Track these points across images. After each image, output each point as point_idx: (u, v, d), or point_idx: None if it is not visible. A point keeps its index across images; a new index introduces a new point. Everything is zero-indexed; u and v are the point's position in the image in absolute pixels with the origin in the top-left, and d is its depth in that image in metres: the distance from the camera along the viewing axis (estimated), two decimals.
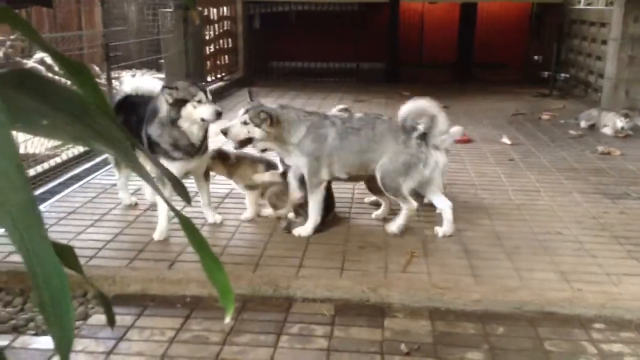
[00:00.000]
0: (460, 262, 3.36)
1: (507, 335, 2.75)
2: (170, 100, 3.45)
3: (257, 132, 3.57)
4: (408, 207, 3.68)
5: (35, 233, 0.61)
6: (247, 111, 3.61)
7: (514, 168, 5.28)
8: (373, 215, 4.01)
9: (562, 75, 9.71)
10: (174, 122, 3.48)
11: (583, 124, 6.93)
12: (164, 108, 3.49)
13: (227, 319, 1.01)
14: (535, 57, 10.80)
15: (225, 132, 3.60)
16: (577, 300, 2.95)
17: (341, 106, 4.45)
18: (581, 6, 9.73)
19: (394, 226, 3.73)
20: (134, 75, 4.15)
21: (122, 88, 3.98)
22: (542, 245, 3.58)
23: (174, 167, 3.41)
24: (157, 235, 3.57)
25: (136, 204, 4.11)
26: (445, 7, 12.82)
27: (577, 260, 3.39)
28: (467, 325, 2.84)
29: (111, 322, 1.46)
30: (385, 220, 3.90)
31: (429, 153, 3.61)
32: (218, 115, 3.49)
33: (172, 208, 1.05)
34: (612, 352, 2.62)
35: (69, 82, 1.13)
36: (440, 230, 3.71)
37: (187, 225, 1.02)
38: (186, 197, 1.32)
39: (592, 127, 6.86)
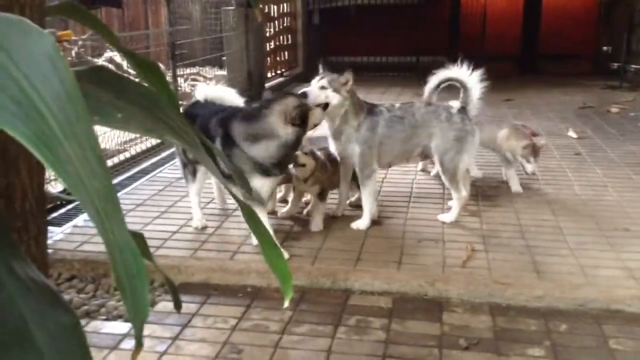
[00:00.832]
0: (523, 258, 3.30)
1: (570, 333, 2.69)
2: (297, 122, 3.26)
3: (335, 98, 3.61)
4: (460, 196, 3.74)
5: (115, 219, 0.67)
6: (322, 77, 3.66)
7: (580, 162, 5.12)
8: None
9: (633, 66, 9.30)
10: (297, 141, 3.31)
11: None
12: (281, 130, 3.23)
13: (286, 304, 1.06)
14: (605, 48, 10.40)
15: (304, 95, 3.53)
16: None
17: None
18: None
19: (448, 217, 3.78)
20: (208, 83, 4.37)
21: (195, 95, 3.86)
22: (609, 242, 3.47)
23: (270, 182, 3.37)
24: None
25: (205, 227, 3.73)
26: None
27: None
28: (528, 322, 2.79)
29: (178, 306, 1.54)
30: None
31: (473, 125, 3.71)
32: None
33: (237, 200, 1.10)
34: None
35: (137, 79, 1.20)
36: (445, 217, 3.80)
37: (250, 215, 1.07)
38: (249, 190, 1.38)
39: None
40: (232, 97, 3.87)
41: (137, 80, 1.11)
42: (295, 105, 3.25)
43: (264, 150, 3.24)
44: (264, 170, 3.28)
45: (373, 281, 3.10)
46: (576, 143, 5.78)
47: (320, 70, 3.86)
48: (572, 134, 6.09)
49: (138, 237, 1.36)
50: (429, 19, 11.26)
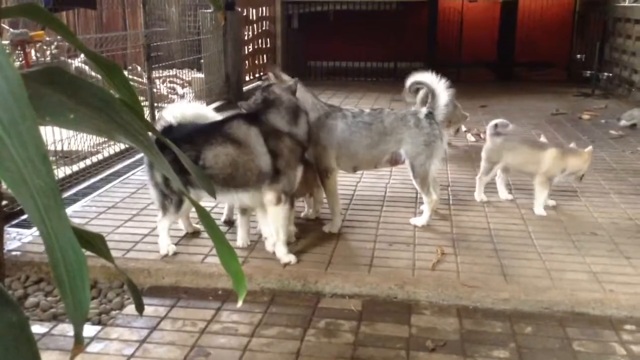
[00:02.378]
0: (491, 261, 3.35)
1: (534, 335, 2.74)
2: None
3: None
4: (430, 200, 3.80)
5: (55, 214, 0.68)
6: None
7: None
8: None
9: (605, 74, 9.49)
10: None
11: (623, 123, 6.77)
12: (298, 102, 3.38)
13: (240, 303, 1.07)
14: (578, 56, 10.58)
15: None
16: (608, 302, 2.91)
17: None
18: (626, 3, 9.48)
19: (420, 220, 3.84)
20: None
21: (164, 118, 3.37)
22: (575, 246, 3.53)
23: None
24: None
25: (175, 254, 3.41)
26: (485, 5, 12.68)
27: (610, 261, 3.34)
28: (494, 324, 2.84)
29: (140, 309, 1.54)
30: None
31: (441, 129, 3.77)
32: None
33: (192, 201, 1.11)
34: None
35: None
36: (416, 220, 3.88)
37: (205, 217, 1.08)
38: (212, 192, 1.39)
39: (634, 127, 6.69)
40: (210, 114, 3.60)
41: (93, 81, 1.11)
42: (282, 86, 3.40)
43: (303, 127, 3.28)
44: (303, 156, 3.37)
45: (344, 284, 3.12)
46: None
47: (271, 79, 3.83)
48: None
49: (98, 239, 1.36)
50: (407, 26, 11.37)
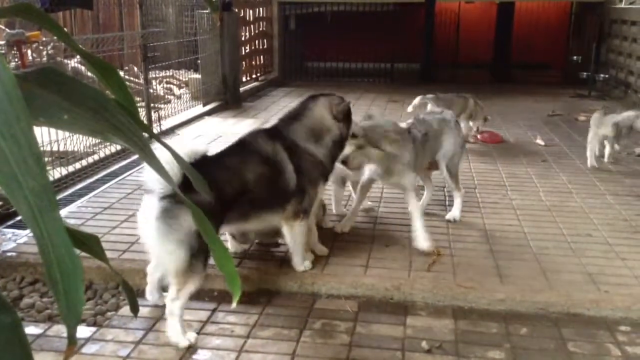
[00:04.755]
0: (487, 262, 3.35)
1: (529, 336, 2.75)
2: (341, 117, 3.21)
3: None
4: (461, 193, 4.02)
5: (49, 215, 0.68)
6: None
7: (546, 169, 5.22)
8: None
9: (602, 75, 9.51)
10: (344, 139, 3.33)
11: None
12: (331, 123, 3.16)
13: (234, 304, 1.07)
14: (575, 58, 10.61)
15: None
16: (603, 303, 2.92)
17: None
18: (622, 5, 9.51)
19: (454, 214, 3.98)
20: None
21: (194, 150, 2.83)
22: (571, 247, 3.54)
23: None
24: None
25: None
26: (482, 6, 12.70)
27: (605, 262, 3.35)
28: (490, 325, 2.84)
29: (134, 310, 1.54)
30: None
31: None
32: None
33: (184, 200, 1.11)
34: (636, 354, 2.59)
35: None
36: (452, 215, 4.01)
37: (198, 216, 1.09)
38: (205, 191, 1.39)
39: (630, 129, 6.70)
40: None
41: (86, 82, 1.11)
42: (337, 102, 3.17)
43: (325, 147, 3.11)
44: (325, 174, 3.21)
45: (340, 285, 3.12)
46: (543, 150, 5.90)
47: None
48: (539, 141, 6.20)
49: (93, 239, 1.36)
50: (404, 27, 11.38)
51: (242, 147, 3.06)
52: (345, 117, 3.17)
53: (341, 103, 3.16)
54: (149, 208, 2.63)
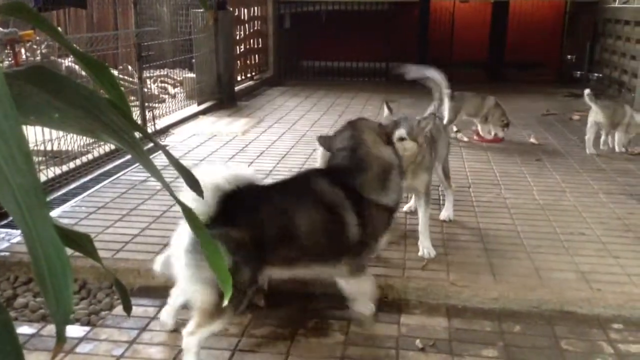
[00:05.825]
0: (480, 261, 3.36)
1: (523, 334, 2.76)
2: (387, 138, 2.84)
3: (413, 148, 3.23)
4: (452, 189, 4.02)
5: (37, 213, 0.68)
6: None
7: (540, 168, 5.24)
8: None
9: (596, 75, 9.55)
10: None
11: None
12: (390, 155, 2.77)
13: (226, 302, 1.07)
14: (569, 57, 10.64)
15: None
16: (596, 300, 2.94)
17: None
18: (616, 4, 9.55)
19: (448, 213, 3.97)
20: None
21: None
22: (564, 245, 3.56)
23: None
24: None
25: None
26: (476, 5, 12.72)
27: (598, 260, 3.36)
28: (483, 323, 2.85)
29: (127, 309, 1.54)
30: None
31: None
32: None
33: (176, 199, 1.11)
34: (629, 352, 2.61)
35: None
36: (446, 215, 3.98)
37: (189, 214, 1.09)
38: (199, 190, 1.39)
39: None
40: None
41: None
42: (373, 124, 2.79)
43: (394, 190, 2.68)
44: (392, 218, 2.80)
45: (334, 284, 3.11)
46: (537, 149, 5.92)
47: (387, 112, 3.49)
48: (533, 140, 6.22)
49: (85, 238, 1.36)
50: (398, 26, 11.39)
51: (297, 185, 2.66)
52: (389, 137, 2.78)
53: (377, 124, 2.82)
54: (181, 235, 2.39)
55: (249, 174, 2.53)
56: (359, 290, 2.78)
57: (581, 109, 8.04)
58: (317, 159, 4.17)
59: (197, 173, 2.06)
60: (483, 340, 2.70)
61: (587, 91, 5.86)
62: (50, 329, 2.76)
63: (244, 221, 2.42)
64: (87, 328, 2.77)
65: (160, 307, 2.96)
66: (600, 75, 9.52)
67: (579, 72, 9.78)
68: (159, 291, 3.12)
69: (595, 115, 5.81)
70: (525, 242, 3.60)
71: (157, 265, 2.79)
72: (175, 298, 2.73)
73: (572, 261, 3.35)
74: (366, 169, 2.62)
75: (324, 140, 2.80)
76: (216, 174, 2.41)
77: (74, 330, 2.74)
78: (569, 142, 6.23)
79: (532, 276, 3.18)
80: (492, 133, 6.25)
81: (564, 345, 2.66)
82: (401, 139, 3.09)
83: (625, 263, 3.32)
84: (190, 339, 2.41)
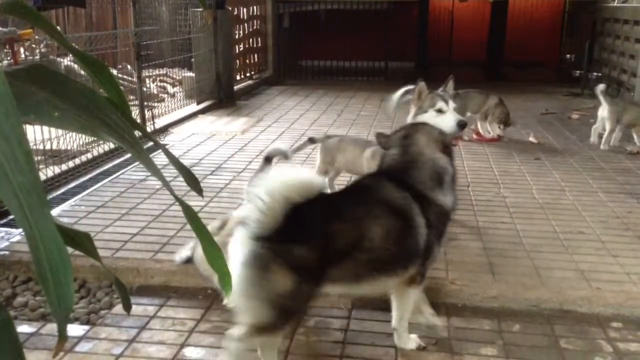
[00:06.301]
0: (479, 260, 3.37)
1: (522, 332, 2.76)
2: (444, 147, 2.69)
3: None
4: None
5: (38, 211, 0.68)
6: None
7: (539, 167, 5.24)
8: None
9: (595, 74, 9.55)
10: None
11: None
12: (445, 161, 2.61)
13: (225, 301, 1.07)
14: (568, 56, 10.65)
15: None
16: (595, 299, 2.94)
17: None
18: (615, 4, 9.55)
19: None
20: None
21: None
22: (563, 244, 3.56)
23: None
24: None
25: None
26: (475, 5, 12.73)
27: (597, 259, 3.37)
28: (483, 322, 2.85)
29: (127, 307, 1.54)
30: None
31: None
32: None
33: (175, 197, 1.11)
34: (628, 351, 2.61)
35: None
36: None
37: (189, 213, 1.09)
38: (198, 189, 1.39)
39: None
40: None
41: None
42: (438, 133, 2.68)
43: (450, 192, 2.57)
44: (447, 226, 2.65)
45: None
46: (537, 148, 5.92)
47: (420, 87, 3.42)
48: (532, 139, 6.23)
49: (85, 237, 1.36)
50: (398, 25, 11.39)
51: (366, 193, 2.48)
52: (446, 146, 2.65)
53: (443, 134, 2.72)
54: (239, 244, 2.18)
55: (320, 182, 2.30)
56: (408, 308, 2.60)
57: (580, 108, 8.07)
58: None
59: (267, 180, 2.09)
60: (482, 339, 2.70)
61: (601, 86, 5.96)
62: (50, 327, 2.76)
63: (311, 237, 2.19)
64: (86, 327, 2.77)
65: (160, 306, 2.98)
66: (600, 74, 9.52)
67: (578, 72, 9.78)
68: (159, 290, 3.13)
69: (602, 111, 5.91)
70: (524, 241, 3.60)
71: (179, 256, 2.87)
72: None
73: (571, 260, 3.35)
74: (419, 167, 2.53)
75: (382, 138, 2.71)
76: (288, 184, 2.14)
77: (73, 329, 2.74)
78: (568, 141, 6.24)
79: (532, 275, 3.18)
80: (491, 132, 6.25)
81: (563, 344, 2.66)
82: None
83: (624, 262, 3.32)
84: (237, 344, 2.25)
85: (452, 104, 3.15)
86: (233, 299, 2.20)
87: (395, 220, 2.38)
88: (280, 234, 2.10)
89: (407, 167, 2.53)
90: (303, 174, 2.29)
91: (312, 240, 2.18)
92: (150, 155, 1.06)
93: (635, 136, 5.92)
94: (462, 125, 3.03)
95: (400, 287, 2.53)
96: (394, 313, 2.62)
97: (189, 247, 3.10)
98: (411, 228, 2.40)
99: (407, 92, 3.76)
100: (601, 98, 5.87)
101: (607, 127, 5.88)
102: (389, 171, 2.57)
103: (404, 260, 2.43)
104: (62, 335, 0.72)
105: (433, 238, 2.48)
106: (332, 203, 2.39)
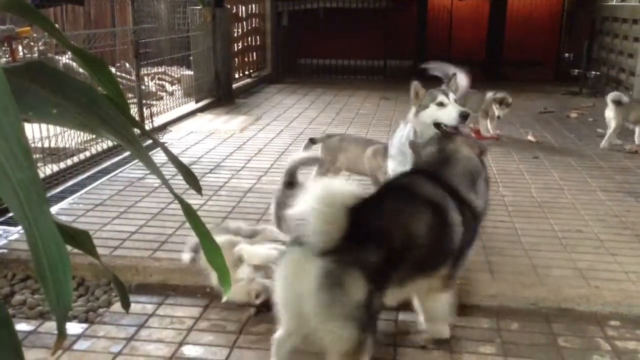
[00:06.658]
0: (478, 258, 3.35)
1: (520, 331, 2.76)
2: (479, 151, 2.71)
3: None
4: None
5: (37, 208, 0.68)
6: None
7: (538, 165, 5.24)
8: None
9: (593, 73, 9.56)
10: None
11: None
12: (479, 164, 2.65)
13: (225, 298, 1.07)
14: (566, 55, 10.65)
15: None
16: (593, 298, 2.94)
17: None
18: (614, 2, 9.56)
19: None
20: None
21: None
22: (562, 243, 3.56)
23: None
24: None
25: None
26: (474, 3, 12.73)
27: (596, 257, 3.37)
28: (481, 320, 2.86)
29: (125, 305, 1.54)
30: None
31: None
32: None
33: (175, 195, 1.11)
34: (626, 349, 2.61)
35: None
36: None
37: (188, 210, 1.09)
38: (197, 187, 1.39)
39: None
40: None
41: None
42: (468, 136, 2.72)
43: (482, 196, 2.56)
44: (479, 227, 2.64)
45: None
46: (535, 147, 5.93)
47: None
48: (531, 138, 6.23)
49: (84, 235, 1.36)
50: (396, 24, 11.38)
51: (407, 192, 2.43)
52: (482, 151, 2.66)
53: (478, 143, 2.74)
54: (305, 273, 2.04)
55: (357, 188, 2.20)
56: (443, 310, 2.57)
57: (578, 107, 8.08)
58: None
59: (323, 188, 2.00)
60: (481, 337, 2.71)
61: (614, 94, 6.00)
62: (48, 326, 2.75)
63: (374, 239, 2.13)
64: (85, 325, 2.77)
65: (159, 304, 2.97)
66: (598, 73, 9.53)
67: (576, 70, 9.79)
68: (157, 288, 3.13)
69: (608, 111, 5.94)
70: (523, 240, 3.61)
71: (187, 255, 2.90)
72: (282, 344, 2.32)
73: (569, 258, 3.36)
74: (454, 164, 2.51)
75: (414, 145, 2.75)
76: (342, 189, 2.08)
77: (72, 328, 2.73)
78: (567, 140, 6.24)
79: (530, 273, 3.18)
80: (491, 131, 6.26)
81: (562, 343, 2.67)
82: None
83: (622, 260, 3.32)
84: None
85: (452, 96, 3.16)
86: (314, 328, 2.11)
87: (436, 217, 2.35)
88: (344, 243, 2.02)
89: (442, 163, 2.52)
90: (342, 182, 2.25)
91: (376, 243, 2.13)
92: (149, 153, 1.06)
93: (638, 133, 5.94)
94: (464, 116, 3.05)
95: (431, 294, 2.50)
96: (422, 317, 2.61)
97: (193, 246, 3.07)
98: (448, 225, 2.37)
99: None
100: (611, 105, 5.92)
101: (612, 125, 5.88)
102: (424, 168, 2.55)
103: (440, 259, 2.41)
104: (62, 333, 0.71)
105: (467, 239, 2.46)
106: (379, 204, 2.32)
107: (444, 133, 2.90)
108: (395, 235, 2.23)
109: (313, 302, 2.01)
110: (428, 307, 2.58)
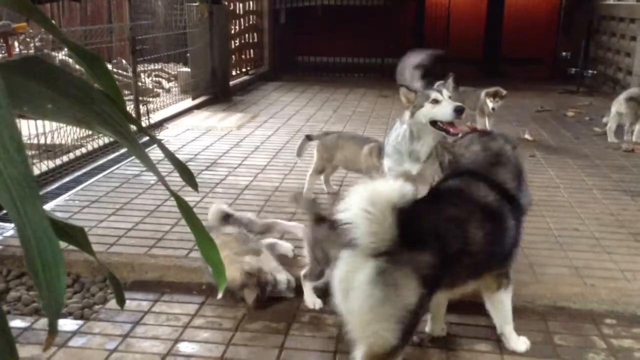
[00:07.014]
0: None
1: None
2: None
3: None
4: None
5: (30, 204, 0.67)
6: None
7: (534, 164, 5.24)
8: None
9: (590, 71, 9.57)
10: None
11: (605, 119, 6.83)
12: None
13: (220, 295, 1.07)
14: (564, 53, 10.66)
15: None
16: (589, 296, 2.95)
17: None
18: (611, 2, 9.57)
19: None
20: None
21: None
22: (558, 241, 3.57)
23: None
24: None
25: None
26: (472, 1, 12.72)
27: (592, 256, 3.38)
28: (478, 318, 2.84)
29: (120, 302, 1.53)
30: None
31: None
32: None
33: (170, 191, 1.11)
34: (622, 347, 2.62)
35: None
36: None
37: (184, 207, 1.08)
38: (193, 184, 1.38)
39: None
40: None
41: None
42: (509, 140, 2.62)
43: (526, 195, 2.51)
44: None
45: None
46: (532, 145, 5.93)
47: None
48: (527, 136, 6.23)
49: (78, 231, 1.35)
50: (394, 22, 11.37)
51: (461, 196, 2.37)
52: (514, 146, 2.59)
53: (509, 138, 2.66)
54: (355, 268, 2.04)
55: (411, 188, 2.11)
56: (506, 310, 2.56)
57: (575, 105, 8.08)
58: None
59: (368, 189, 1.98)
60: (478, 335, 2.71)
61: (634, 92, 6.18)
62: (43, 322, 2.75)
63: (430, 241, 2.11)
64: (80, 322, 2.76)
65: (155, 301, 2.97)
66: (595, 72, 9.55)
67: (573, 69, 9.80)
68: (153, 285, 3.13)
69: (619, 106, 6.03)
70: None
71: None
72: None
73: (566, 257, 3.36)
74: (503, 163, 2.44)
75: (447, 146, 2.69)
76: (388, 189, 2.04)
77: (67, 324, 2.73)
78: (563, 139, 6.25)
79: (526, 271, 3.19)
80: (488, 129, 6.25)
81: (557, 340, 2.67)
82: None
83: (618, 259, 3.33)
84: None
85: (446, 93, 3.17)
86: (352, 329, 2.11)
87: (493, 223, 2.32)
88: (398, 246, 2.00)
89: (492, 163, 2.45)
90: (388, 183, 2.18)
91: (432, 248, 2.10)
92: (146, 150, 1.05)
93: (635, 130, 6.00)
94: (459, 110, 3.06)
95: (491, 294, 2.51)
96: (496, 320, 2.59)
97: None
98: (504, 229, 2.35)
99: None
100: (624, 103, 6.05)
101: (627, 122, 6.02)
102: (474, 169, 2.46)
103: (494, 262, 2.40)
104: (53, 330, 0.71)
105: (517, 239, 2.45)
106: (434, 208, 2.30)
107: (443, 130, 2.99)
108: (453, 241, 2.20)
109: (363, 298, 1.99)
110: (496, 310, 2.56)
